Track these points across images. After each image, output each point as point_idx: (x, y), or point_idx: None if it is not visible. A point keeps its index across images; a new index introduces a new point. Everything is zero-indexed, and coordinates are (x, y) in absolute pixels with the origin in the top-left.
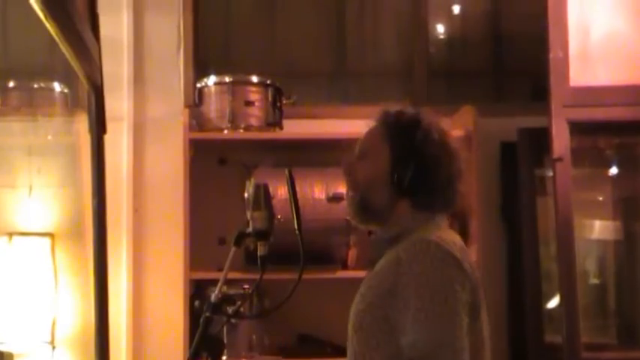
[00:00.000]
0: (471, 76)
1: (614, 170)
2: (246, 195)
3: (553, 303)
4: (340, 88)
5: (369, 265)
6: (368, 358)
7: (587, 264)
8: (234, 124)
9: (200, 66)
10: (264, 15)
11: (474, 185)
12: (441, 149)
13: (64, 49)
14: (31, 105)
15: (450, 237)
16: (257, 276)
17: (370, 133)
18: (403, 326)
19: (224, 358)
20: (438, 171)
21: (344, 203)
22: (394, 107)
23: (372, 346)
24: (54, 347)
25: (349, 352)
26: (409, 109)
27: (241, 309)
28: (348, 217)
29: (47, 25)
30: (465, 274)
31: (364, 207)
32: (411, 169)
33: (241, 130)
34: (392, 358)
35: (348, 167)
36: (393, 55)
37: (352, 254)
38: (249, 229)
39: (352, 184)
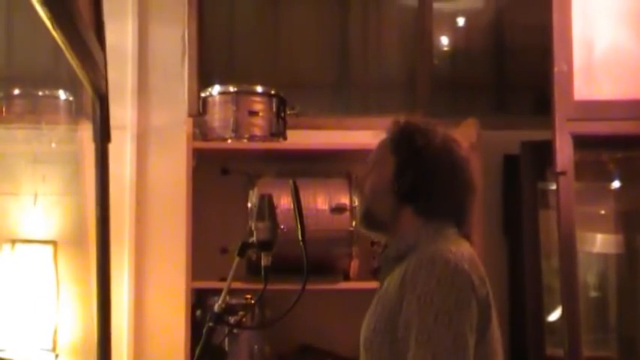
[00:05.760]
0: (474, 88)
1: (616, 184)
2: (249, 205)
3: (554, 316)
4: (343, 99)
5: (377, 280)
6: None
7: (589, 277)
8: (237, 133)
9: (204, 77)
10: (267, 26)
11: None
12: (443, 155)
13: (70, 57)
14: (36, 112)
15: (459, 248)
16: (258, 286)
17: (379, 146)
18: (405, 346)
19: None
20: (439, 177)
21: (347, 214)
22: (404, 118)
23: None
24: (57, 355)
25: None
26: (419, 120)
27: (244, 319)
28: (354, 229)
29: (53, 33)
30: (472, 289)
31: (370, 217)
32: (410, 174)
33: (245, 140)
34: None
35: (359, 181)
36: (397, 67)
37: (354, 265)
38: (253, 240)
39: (360, 194)
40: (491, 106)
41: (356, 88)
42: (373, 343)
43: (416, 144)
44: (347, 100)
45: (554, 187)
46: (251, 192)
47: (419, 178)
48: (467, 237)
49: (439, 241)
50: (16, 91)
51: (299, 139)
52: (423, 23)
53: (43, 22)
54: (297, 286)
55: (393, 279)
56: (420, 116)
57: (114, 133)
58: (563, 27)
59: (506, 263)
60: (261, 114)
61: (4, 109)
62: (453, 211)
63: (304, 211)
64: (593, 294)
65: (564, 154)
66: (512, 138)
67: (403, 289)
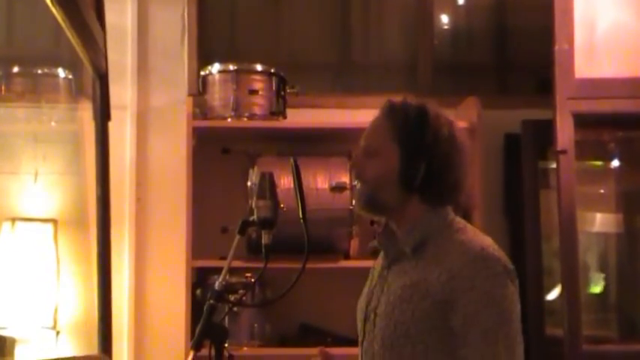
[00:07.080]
0: (475, 68)
1: (616, 163)
2: (249, 184)
3: (553, 295)
4: (345, 80)
5: (378, 259)
6: None
7: (589, 257)
8: (237, 112)
9: (204, 57)
10: (269, 6)
11: (478, 177)
12: (450, 146)
13: (70, 35)
14: (35, 91)
15: (488, 241)
16: (259, 265)
17: (377, 129)
18: (463, 340)
19: (226, 345)
20: (449, 168)
21: (347, 193)
22: (399, 99)
23: (419, 353)
24: (57, 333)
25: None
26: (414, 102)
27: (244, 297)
28: (354, 209)
29: (54, 11)
30: (517, 284)
31: (373, 203)
32: (422, 169)
33: (245, 119)
34: None
35: (355, 163)
36: (398, 48)
37: (354, 244)
38: (254, 218)
39: (360, 180)
40: (493, 87)
41: (357, 69)
42: (413, 326)
43: (425, 138)
44: (348, 81)
45: (554, 166)
46: (251, 171)
47: (429, 170)
48: (464, 215)
49: (461, 231)
50: (16, 70)
51: (299, 118)
52: (424, 3)
53: (43, 0)
54: (298, 265)
55: (426, 268)
56: (412, 96)
57: (114, 114)
58: (565, 5)
59: (506, 242)
60: (261, 92)
61: (3, 88)
62: (455, 194)
63: (304, 190)
64: (593, 273)
65: (565, 132)
66: (513, 117)
67: (455, 282)
